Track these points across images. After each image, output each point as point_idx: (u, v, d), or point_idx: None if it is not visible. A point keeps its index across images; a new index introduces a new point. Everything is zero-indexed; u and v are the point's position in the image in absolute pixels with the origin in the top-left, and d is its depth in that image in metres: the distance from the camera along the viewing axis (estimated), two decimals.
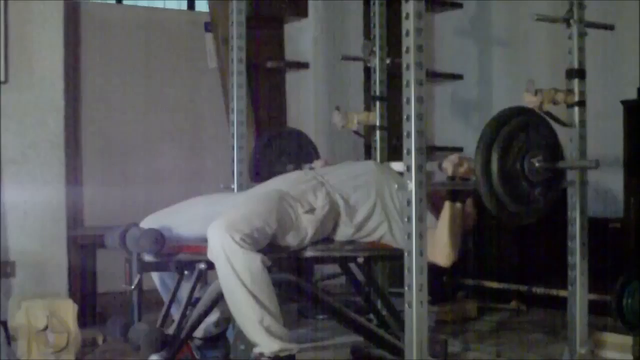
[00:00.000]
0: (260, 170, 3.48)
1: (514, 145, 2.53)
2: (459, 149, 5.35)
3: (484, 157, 2.49)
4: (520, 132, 2.55)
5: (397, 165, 3.01)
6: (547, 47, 5.01)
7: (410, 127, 2.48)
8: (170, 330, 2.72)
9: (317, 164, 3.46)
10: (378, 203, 2.97)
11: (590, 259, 2.95)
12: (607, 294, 3.70)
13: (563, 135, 2.97)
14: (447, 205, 2.83)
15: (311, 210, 2.86)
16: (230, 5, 3.57)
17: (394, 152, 3.54)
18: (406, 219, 2.49)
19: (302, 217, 2.84)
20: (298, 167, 3.50)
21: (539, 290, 4.51)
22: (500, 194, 2.50)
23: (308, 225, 2.84)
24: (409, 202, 2.48)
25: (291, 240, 2.82)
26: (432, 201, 2.92)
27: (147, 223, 2.84)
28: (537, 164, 2.55)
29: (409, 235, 2.48)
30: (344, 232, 2.96)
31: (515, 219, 2.60)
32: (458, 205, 2.82)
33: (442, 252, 2.85)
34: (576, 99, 2.92)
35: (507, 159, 2.51)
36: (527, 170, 2.55)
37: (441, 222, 2.84)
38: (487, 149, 2.49)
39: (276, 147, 3.54)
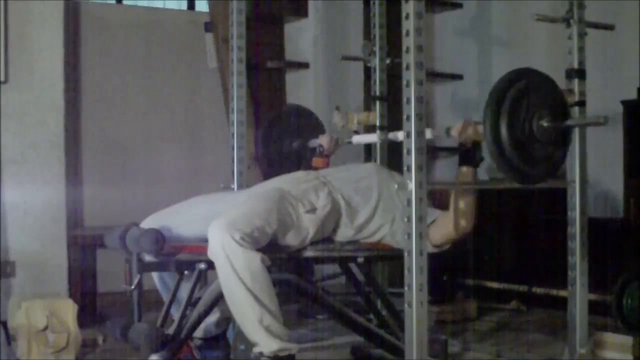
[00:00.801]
0: (266, 150, 3.49)
1: (520, 108, 2.53)
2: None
3: (492, 122, 2.49)
4: (526, 93, 2.55)
5: (401, 135, 2.98)
6: (547, 47, 5.01)
7: (410, 127, 2.48)
8: (170, 330, 2.72)
9: (322, 139, 3.45)
10: (379, 206, 2.97)
11: (590, 259, 2.95)
12: (607, 294, 3.70)
13: None
14: (459, 170, 2.83)
15: (312, 210, 2.86)
16: (230, 5, 3.57)
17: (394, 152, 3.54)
18: (406, 219, 2.49)
19: (303, 216, 2.84)
20: (305, 143, 3.51)
21: (539, 290, 4.51)
22: (512, 158, 2.51)
23: (309, 225, 2.84)
24: (409, 202, 2.48)
25: (292, 239, 2.82)
26: (434, 199, 2.93)
27: (148, 223, 2.84)
28: (545, 124, 2.56)
29: (409, 235, 2.48)
30: (344, 233, 2.96)
31: (529, 180, 2.60)
32: (468, 169, 2.82)
33: (457, 221, 2.85)
34: (576, 99, 2.92)
35: (515, 122, 2.52)
36: (536, 131, 2.55)
37: (456, 190, 2.84)
38: (495, 116, 2.50)
39: (281, 125, 3.54)
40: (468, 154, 2.82)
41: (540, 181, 2.65)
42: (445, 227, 2.89)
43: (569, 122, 2.66)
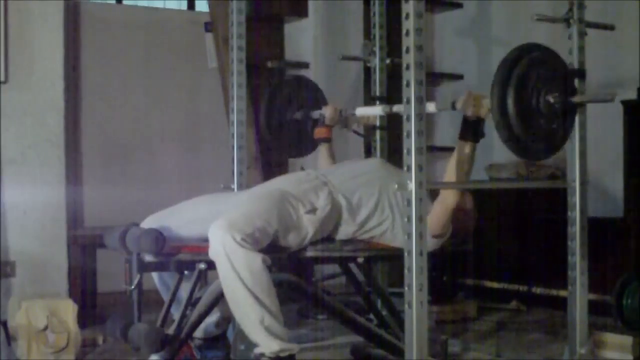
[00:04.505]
0: (270, 121, 3.49)
1: (528, 81, 2.53)
2: None
3: (499, 97, 2.49)
4: (533, 68, 2.55)
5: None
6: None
7: (410, 127, 2.48)
8: (170, 330, 2.72)
9: (326, 109, 3.45)
10: (381, 201, 2.97)
11: (590, 259, 2.95)
12: (607, 294, 3.71)
13: None
14: (459, 144, 2.82)
15: (313, 210, 2.86)
16: (230, 5, 3.57)
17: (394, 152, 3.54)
18: (406, 219, 2.49)
19: (304, 217, 2.84)
20: (307, 114, 3.50)
21: (539, 290, 4.51)
22: (518, 131, 2.51)
23: (309, 225, 2.84)
24: (409, 202, 2.48)
25: (292, 240, 2.82)
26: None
27: (148, 223, 2.84)
28: (552, 99, 2.55)
29: (409, 235, 2.48)
30: (345, 231, 2.96)
31: (533, 155, 2.60)
32: (468, 143, 2.80)
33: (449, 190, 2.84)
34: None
35: (522, 95, 2.51)
36: (543, 106, 2.55)
37: (452, 160, 2.84)
38: (503, 87, 2.50)
39: (283, 95, 3.52)
40: (470, 127, 2.80)
41: (541, 157, 2.65)
42: (436, 211, 2.89)
43: (576, 99, 2.65)
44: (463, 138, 2.81)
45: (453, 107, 2.81)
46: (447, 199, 2.88)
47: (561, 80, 2.63)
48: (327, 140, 3.45)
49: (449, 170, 2.85)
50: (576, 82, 2.92)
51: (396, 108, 3.14)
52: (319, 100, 3.56)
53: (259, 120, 3.53)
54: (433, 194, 2.92)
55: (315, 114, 3.48)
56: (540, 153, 2.62)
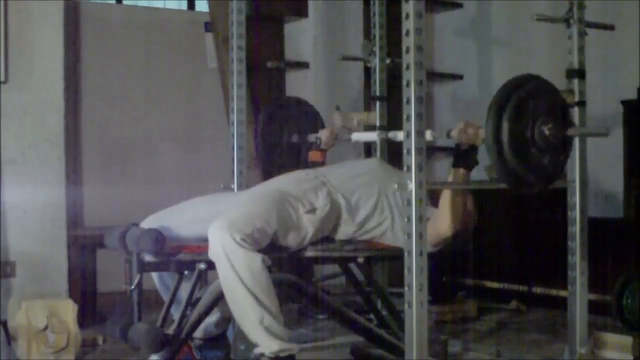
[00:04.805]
0: (266, 142, 3.46)
1: (524, 112, 2.52)
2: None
3: (494, 125, 2.48)
4: (529, 99, 2.54)
5: (400, 134, 2.95)
6: (547, 47, 5.01)
7: (410, 127, 2.48)
8: (170, 330, 2.72)
9: (322, 132, 3.44)
10: (380, 201, 2.98)
11: (590, 259, 2.95)
12: (607, 294, 3.71)
13: None
14: (452, 172, 2.81)
15: (312, 210, 2.87)
16: (230, 5, 3.57)
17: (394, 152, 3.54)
18: (406, 219, 2.49)
19: (303, 217, 2.84)
20: (303, 137, 3.49)
21: (539, 290, 4.51)
22: (511, 161, 2.50)
23: (309, 225, 2.85)
24: (409, 202, 2.48)
25: (291, 240, 2.82)
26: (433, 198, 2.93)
27: (148, 223, 2.84)
28: (547, 131, 2.55)
29: (409, 235, 2.48)
30: (345, 231, 2.96)
31: (525, 186, 2.59)
32: (462, 171, 2.80)
33: (444, 220, 2.84)
34: (576, 99, 2.92)
35: (517, 126, 2.50)
36: (537, 137, 2.54)
37: (445, 190, 2.84)
38: (498, 117, 2.48)
39: (281, 117, 3.50)
40: (464, 155, 2.81)
41: (534, 189, 2.64)
42: (433, 226, 2.88)
43: (571, 132, 2.65)
44: (456, 166, 2.81)
45: (448, 135, 2.81)
46: (441, 228, 2.86)
47: (557, 112, 2.62)
48: (322, 164, 3.41)
49: (443, 198, 2.85)
50: (576, 82, 2.93)
51: (391, 134, 3.16)
52: (317, 123, 3.55)
53: (257, 133, 3.51)
54: (433, 203, 2.92)
55: (312, 137, 3.47)
56: (533, 184, 2.60)
